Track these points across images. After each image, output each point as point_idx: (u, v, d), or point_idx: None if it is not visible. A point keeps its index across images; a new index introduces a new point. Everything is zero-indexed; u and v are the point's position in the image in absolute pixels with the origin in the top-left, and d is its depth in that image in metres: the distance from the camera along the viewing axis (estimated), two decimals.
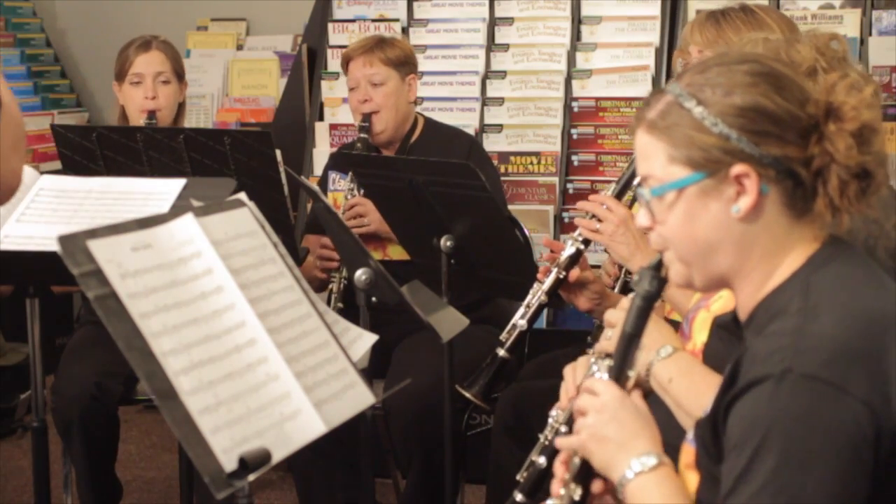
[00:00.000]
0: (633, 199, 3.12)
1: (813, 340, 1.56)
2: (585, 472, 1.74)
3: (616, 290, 2.94)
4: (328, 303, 3.73)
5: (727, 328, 1.87)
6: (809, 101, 1.65)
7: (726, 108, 1.65)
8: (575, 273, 2.89)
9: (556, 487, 1.79)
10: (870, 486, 1.53)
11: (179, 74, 3.88)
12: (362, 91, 3.75)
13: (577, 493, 1.74)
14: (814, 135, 1.64)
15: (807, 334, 1.57)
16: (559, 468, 1.81)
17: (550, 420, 2.02)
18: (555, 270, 2.90)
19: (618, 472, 1.69)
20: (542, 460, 1.87)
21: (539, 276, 2.94)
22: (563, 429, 1.88)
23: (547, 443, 2.04)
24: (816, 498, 1.51)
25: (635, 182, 2.77)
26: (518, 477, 2.30)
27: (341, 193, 3.80)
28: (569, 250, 2.89)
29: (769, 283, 1.68)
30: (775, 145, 1.64)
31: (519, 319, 2.95)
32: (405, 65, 3.79)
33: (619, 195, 2.90)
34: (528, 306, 2.94)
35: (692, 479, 1.72)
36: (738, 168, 1.64)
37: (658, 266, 1.74)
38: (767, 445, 1.53)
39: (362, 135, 3.74)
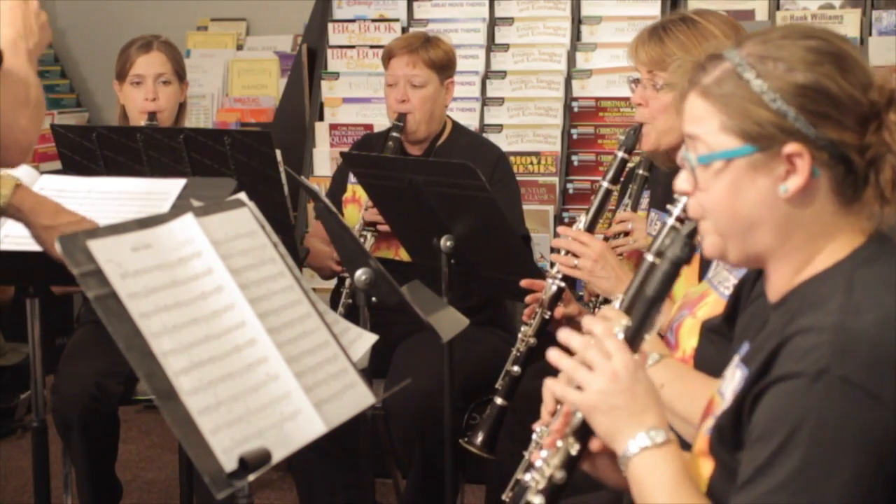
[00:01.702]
0: (614, 213, 3.11)
1: (853, 341, 1.52)
2: (585, 430, 1.70)
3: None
4: (339, 294, 3.73)
5: (718, 331, 1.85)
6: (873, 87, 1.61)
7: (787, 84, 1.60)
8: (560, 311, 2.89)
9: (551, 440, 1.74)
10: (888, 494, 1.51)
11: (180, 75, 3.87)
12: (401, 90, 3.75)
13: (575, 449, 1.71)
14: (873, 122, 1.60)
15: (847, 333, 1.53)
16: (552, 420, 1.76)
17: (534, 437, 1.99)
18: (539, 311, 2.90)
19: (623, 444, 1.65)
20: (527, 478, 1.84)
21: (524, 318, 2.94)
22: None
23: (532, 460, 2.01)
24: (835, 501, 1.48)
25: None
26: (504, 497, 2.28)
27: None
28: (550, 290, 2.88)
29: (808, 268, 1.64)
30: (833, 129, 1.59)
31: (511, 366, 2.94)
32: (447, 68, 3.79)
33: (590, 226, 2.88)
34: (518, 351, 2.93)
35: (707, 466, 1.69)
36: (791, 147, 1.59)
37: (692, 233, 1.69)
38: (794, 443, 1.50)
39: (394, 133, 3.74)
